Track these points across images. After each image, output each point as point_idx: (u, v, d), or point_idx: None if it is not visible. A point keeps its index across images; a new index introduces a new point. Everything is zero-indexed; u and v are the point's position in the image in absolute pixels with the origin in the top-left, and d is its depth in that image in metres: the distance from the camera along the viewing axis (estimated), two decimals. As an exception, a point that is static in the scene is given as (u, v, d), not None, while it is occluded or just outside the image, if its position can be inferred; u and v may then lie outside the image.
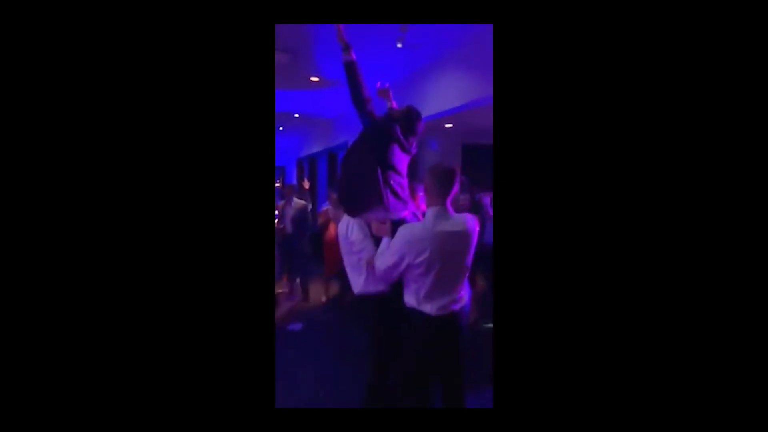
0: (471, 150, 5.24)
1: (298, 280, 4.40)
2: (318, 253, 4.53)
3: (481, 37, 2.82)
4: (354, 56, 1.67)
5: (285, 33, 3.03)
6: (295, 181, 8.86)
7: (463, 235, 1.43)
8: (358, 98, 1.66)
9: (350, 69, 1.66)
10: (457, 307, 1.45)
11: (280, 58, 3.50)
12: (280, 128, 7.78)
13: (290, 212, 4.26)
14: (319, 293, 4.39)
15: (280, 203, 4.46)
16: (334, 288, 4.31)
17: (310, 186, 7.54)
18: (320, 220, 4.37)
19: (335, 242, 4.15)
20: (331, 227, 4.20)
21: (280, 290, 4.54)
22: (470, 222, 1.48)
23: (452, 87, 3.29)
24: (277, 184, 10.29)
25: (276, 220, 4.66)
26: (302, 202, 4.40)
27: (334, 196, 4.39)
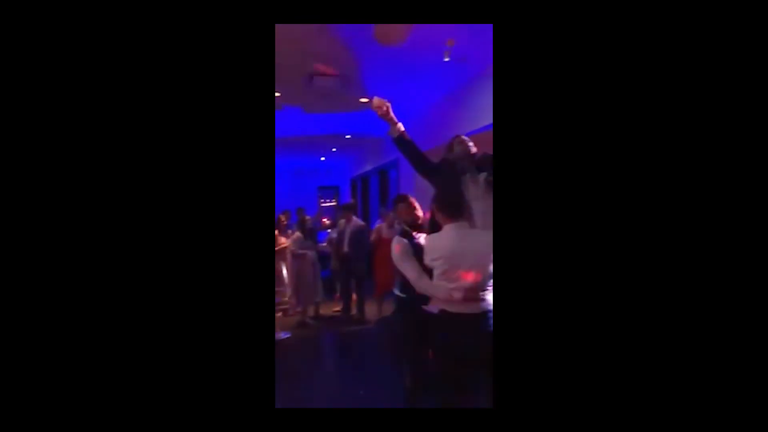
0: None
1: (354, 296, 4.41)
2: (371, 273, 4.52)
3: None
4: (402, 128, 1.92)
5: (337, 58, 3.13)
6: (350, 201, 9.02)
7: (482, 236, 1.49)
8: (418, 162, 1.94)
9: (401, 141, 1.93)
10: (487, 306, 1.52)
11: (330, 82, 3.63)
12: (333, 149, 8.04)
13: (349, 232, 4.29)
14: (372, 312, 4.36)
15: (340, 222, 4.52)
16: (387, 307, 4.26)
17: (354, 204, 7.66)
18: (372, 237, 4.37)
19: (386, 261, 4.15)
20: (383, 246, 4.19)
21: (336, 309, 4.60)
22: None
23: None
24: (332, 203, 10.59)
25: (330, 239, 4.75)
26: (362, 222, 4.43)
27: (390, 213, 4.42)
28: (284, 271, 4.00)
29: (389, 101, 1.91)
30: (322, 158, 9.33)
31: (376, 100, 1.91)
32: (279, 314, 3.88)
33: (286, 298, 3.93)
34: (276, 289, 3.90)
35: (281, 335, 3.77)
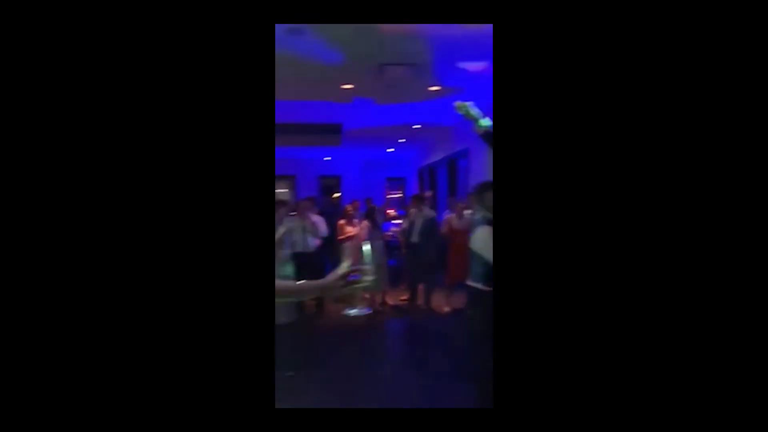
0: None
1: (421, 286, 4.42)
2: (442, 263, 4.49)
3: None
4: (488, 121, 1.86)
5: (405, 46, 3.12)
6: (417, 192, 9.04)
7: None
8: None
9: (488, 136, 1.86)
10: None
11: (401, 71, 3.62)
12: (401, 140, 8.06)
13: (419, 222, 4.31)
14: (441, 303, 4.33)
15: (410, 213, 4.57)
16: (458, 299, 4.21)
17: (431, 195, 7.61)
18: (443, 228, 4.33)
19: (459, 252, 4.10)
20: (455, 236, 4.13)
21: (403, 298, 4.65)
22: None
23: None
24: (399, 194, 10.67)
25: (403, 229, 4.79)
26: (432, 212, 4.43)
27: (458, 203, 4.33)
28: (368, 251, 4.15)
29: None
30: (390, 150, 9.40)
31: (456, 102, 1.90)
32: (360, 292, 4.06)
33: (369, 276, 4.08)
34: (358, 266, 4.06)
35: (364, 310, 3.94)
